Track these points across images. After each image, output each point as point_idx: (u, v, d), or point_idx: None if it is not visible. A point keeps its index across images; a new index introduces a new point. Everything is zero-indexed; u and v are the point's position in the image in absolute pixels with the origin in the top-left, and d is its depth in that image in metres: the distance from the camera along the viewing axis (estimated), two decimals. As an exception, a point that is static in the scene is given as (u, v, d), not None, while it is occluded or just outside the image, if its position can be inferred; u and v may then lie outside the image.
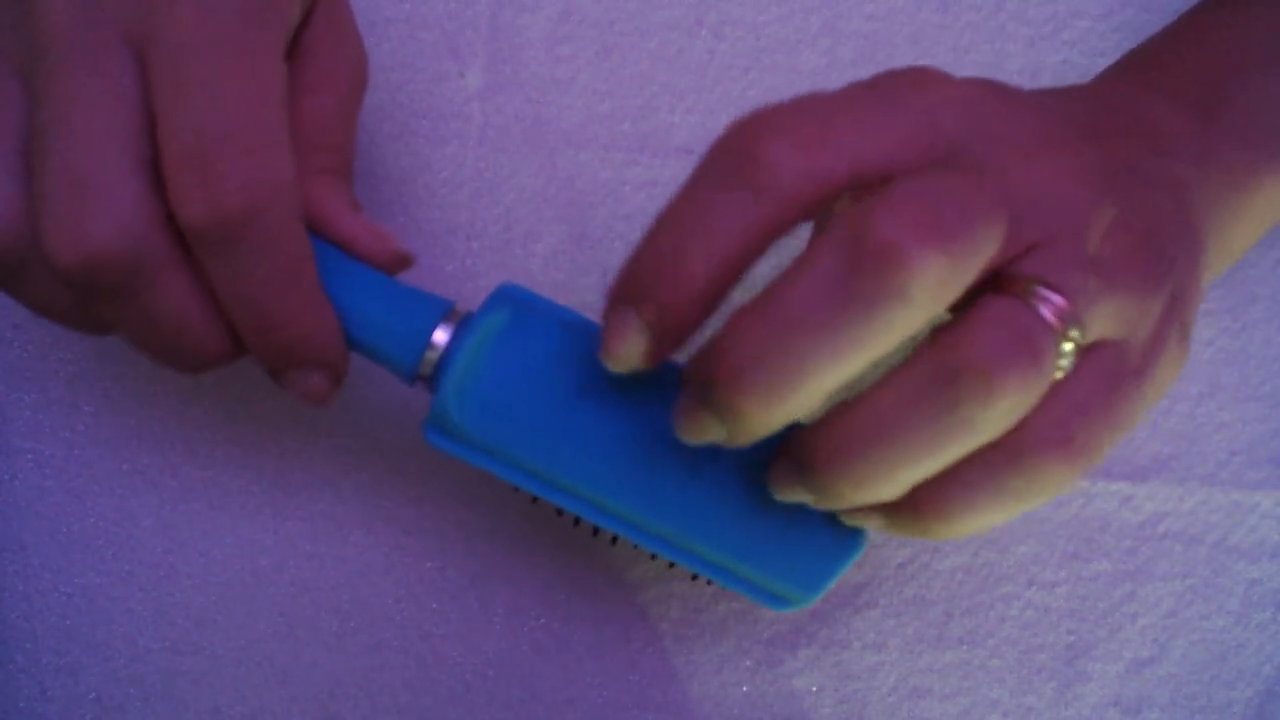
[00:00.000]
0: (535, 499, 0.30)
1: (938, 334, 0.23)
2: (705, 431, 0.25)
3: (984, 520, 0.25)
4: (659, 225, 0.25)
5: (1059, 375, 0.24)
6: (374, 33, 0.38)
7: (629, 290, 0.25)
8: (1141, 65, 0.33)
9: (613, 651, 0.39)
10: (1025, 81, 0.39)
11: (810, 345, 0.22)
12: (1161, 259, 0.26)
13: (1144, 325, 0.25)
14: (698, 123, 0.39)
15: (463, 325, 0.29)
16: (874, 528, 0.27)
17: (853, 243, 0.22)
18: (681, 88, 0.39)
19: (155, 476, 0.39)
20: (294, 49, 0.30)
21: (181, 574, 0.39)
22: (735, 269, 0.24)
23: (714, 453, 0.27)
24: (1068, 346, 0.24)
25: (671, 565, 0.34)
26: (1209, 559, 0.39)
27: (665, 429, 0.27)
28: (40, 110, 0.26)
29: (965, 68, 0.39)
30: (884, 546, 0.39)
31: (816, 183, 0.23)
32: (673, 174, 0.38)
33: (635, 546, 0.29)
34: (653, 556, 0.31)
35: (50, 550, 0.39)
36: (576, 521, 0.33)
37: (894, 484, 0.24)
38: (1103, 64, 0.39)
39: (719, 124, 0.38)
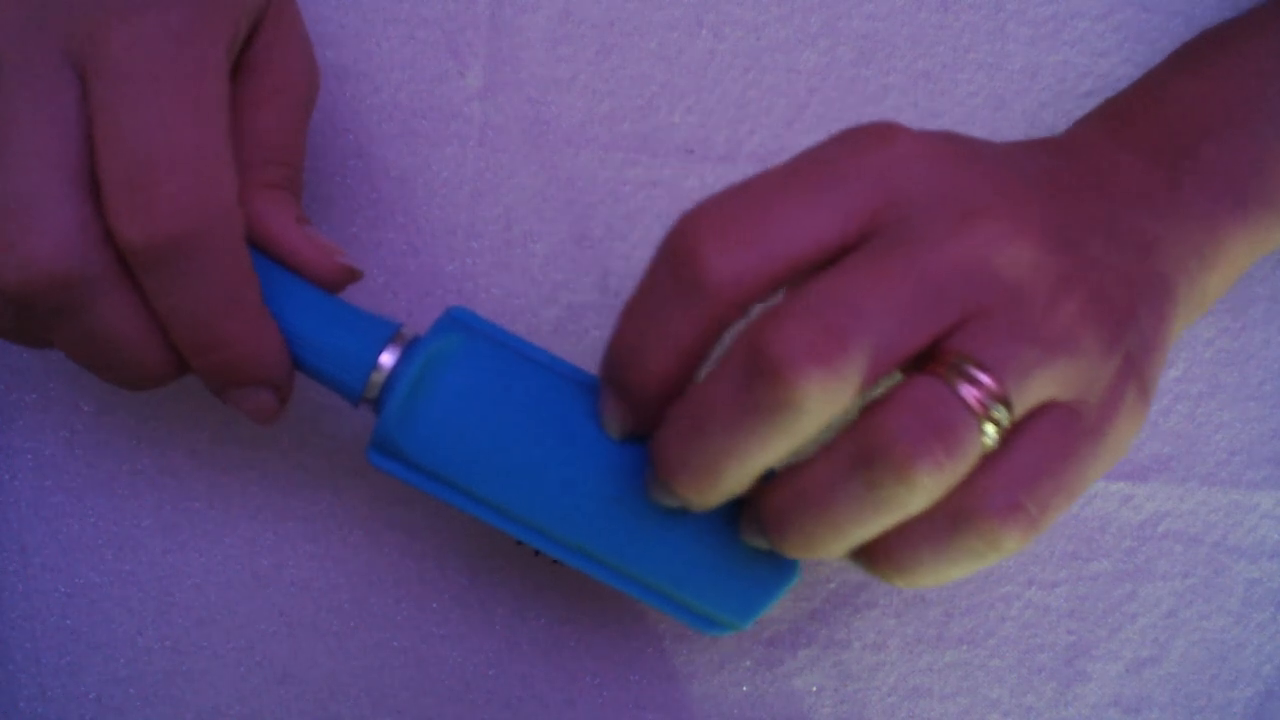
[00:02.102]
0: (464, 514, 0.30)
1: (864, 411, 0.25)
2: (665, 501, 0.27)
3: (942, 575, 0.26)
4: (622, 319, 0.27)
5: (988, 446, 0.25)
6: (374, 33, 0.38)
7: (608, 373, 0.28)
8: (1113, 118, 0.33)
9: (613, 651, 0.39)
10: (1025, 82, 0.39)
11: (723, 444, 0.25)
12: (1117, 318, 0.26)
13: (1098, 385, 0.26)
14: (698, 123, 0.39)
15: (410, 348, 0.29)
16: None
17: (748, 356, 0.24)
18: (681, 88, 0.39)
19: (155, 476, 0.39)
20: (242, 63, 0.30)
21: (181, 574, 0.39)
22: (689, 360, 0.26)
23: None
24: (990, 427, 0.24)
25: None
26: (1209, 559, 0.39)
27: (603, 459, 0.28)
28: None
29: (965, 68, 0.39)
30: (884, 546, 0.39)
31: (751, 283, 0.25)
32: (673, 174, 0.39)
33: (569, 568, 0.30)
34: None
35: (50, 550, 0.39)
36: (537, 553, 0.33)
37: (837, 545, 0.26)
38: (1103, 64, 0.39)
39: (719, 124, 0.39)
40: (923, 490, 0.24)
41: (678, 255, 0.25)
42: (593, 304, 0.38)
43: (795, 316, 0.24)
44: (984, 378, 0.24)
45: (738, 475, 0.25)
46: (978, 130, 0.39)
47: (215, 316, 0.27)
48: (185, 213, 0.26)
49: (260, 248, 0.30)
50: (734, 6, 0.39)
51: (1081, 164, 0.29)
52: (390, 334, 0.29)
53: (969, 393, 0.24)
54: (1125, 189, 0.29)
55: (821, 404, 0.24)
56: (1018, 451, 0.25)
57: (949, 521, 0.25)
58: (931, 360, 0.25)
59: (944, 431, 0.24)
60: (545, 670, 0.39)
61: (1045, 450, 0.25)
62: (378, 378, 0.28)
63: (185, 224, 0.26)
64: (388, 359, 0.28)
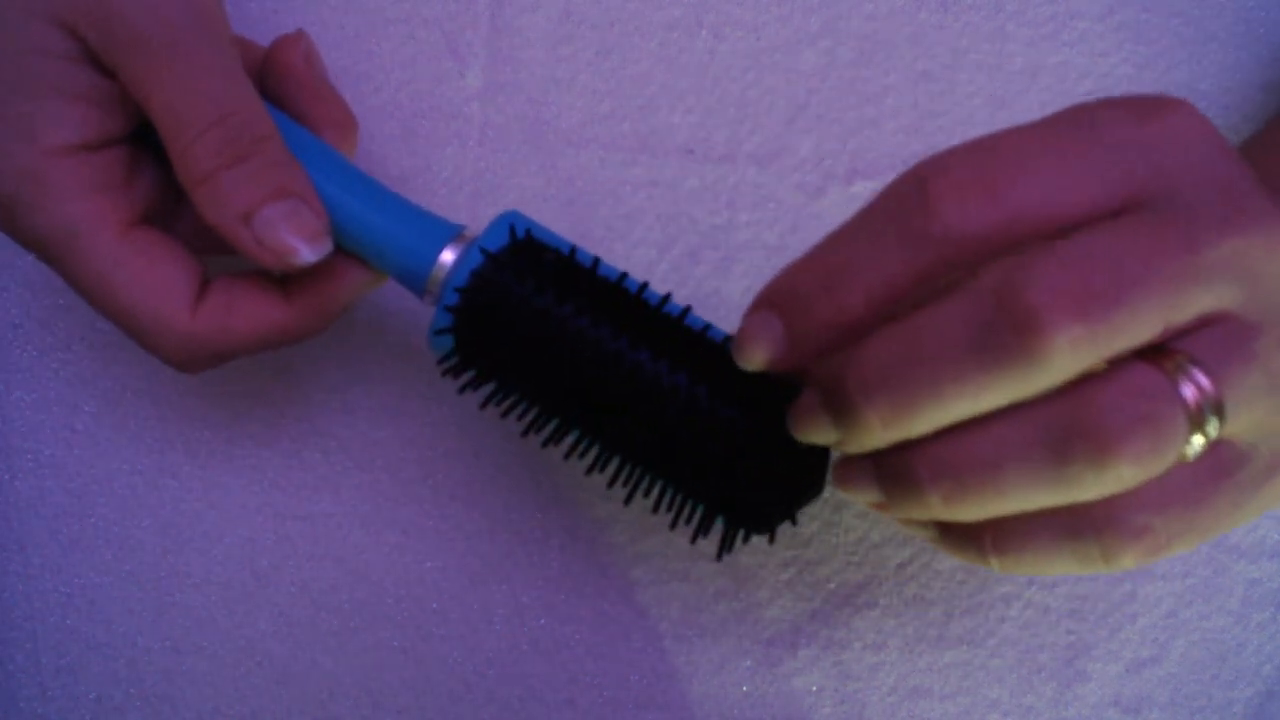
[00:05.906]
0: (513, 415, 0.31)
1: (1074, 383, 0.23)
2: (818, 432, 0.25)
3: (1038, 569, 0.25)
4: (825, 246, 0.25)
5: (1187, 456, 0.23)
6: (374, 33, 0.38)
7: (778, 298, 0.25)
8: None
9: (613, 651, 0.39)
10: (1025, 82, 0.39)
11: (938, 379, 0.23)
12: None
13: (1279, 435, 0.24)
14: (698, 123, 0.39)
15: (469, 247, 0.31)
16: (924, 539, 0.27)
17: (998, 297, 0.22)
18: (681, 88, 0.39)
19: (155, 476, 0.39)
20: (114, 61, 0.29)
21: (181, 574, 0.39)
22: (882, 306, 0.24)
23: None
24: (1198, 438, 0.23)
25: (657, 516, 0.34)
26: (1209, 559, 0.39)
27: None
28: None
29: (965, 68, 0.39)
30: (884, 546, 0.39)
31: (982, 239, 0.23)
32: (673, 174, 0.38)
33: (606, 475, 0.30)
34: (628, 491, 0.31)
35: (50, 550, 0.39)
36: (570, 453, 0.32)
37: (986, 510, 0.24)
38: (1103, 64, 0.39)
39: (719, 124, 0.39)
40: (1110, 480, 0.22)
41: (909, 198, 0.23)
42: (593, 304, 0.38)
43: (1061, 267, 0.22)
44: (1205, 382, 0.22)
45: (934, 416, 0.23)
46: (978, 130, 0.39)
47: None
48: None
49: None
50: (734, 6, 0.39)
51: None
52: (453, 234, 0.31)
53: (1190, 392, 0.22)
54: None
55: (1066, 364, 0.22)
56: (1174, 475, 0.23)
57: (1074, 521, 0.24)
58: (1157, 352, 0.23)
59: (1157, 425, 0.22)
60: (545, 670, 0.39)
61: (1201, 482, 0.23)
62: (439, 273, 0.31)
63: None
64: (449, 256, 0.31)
